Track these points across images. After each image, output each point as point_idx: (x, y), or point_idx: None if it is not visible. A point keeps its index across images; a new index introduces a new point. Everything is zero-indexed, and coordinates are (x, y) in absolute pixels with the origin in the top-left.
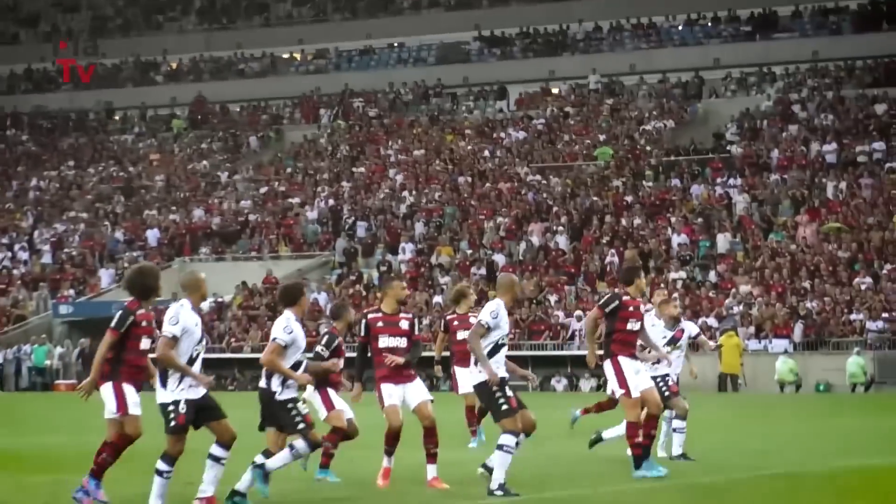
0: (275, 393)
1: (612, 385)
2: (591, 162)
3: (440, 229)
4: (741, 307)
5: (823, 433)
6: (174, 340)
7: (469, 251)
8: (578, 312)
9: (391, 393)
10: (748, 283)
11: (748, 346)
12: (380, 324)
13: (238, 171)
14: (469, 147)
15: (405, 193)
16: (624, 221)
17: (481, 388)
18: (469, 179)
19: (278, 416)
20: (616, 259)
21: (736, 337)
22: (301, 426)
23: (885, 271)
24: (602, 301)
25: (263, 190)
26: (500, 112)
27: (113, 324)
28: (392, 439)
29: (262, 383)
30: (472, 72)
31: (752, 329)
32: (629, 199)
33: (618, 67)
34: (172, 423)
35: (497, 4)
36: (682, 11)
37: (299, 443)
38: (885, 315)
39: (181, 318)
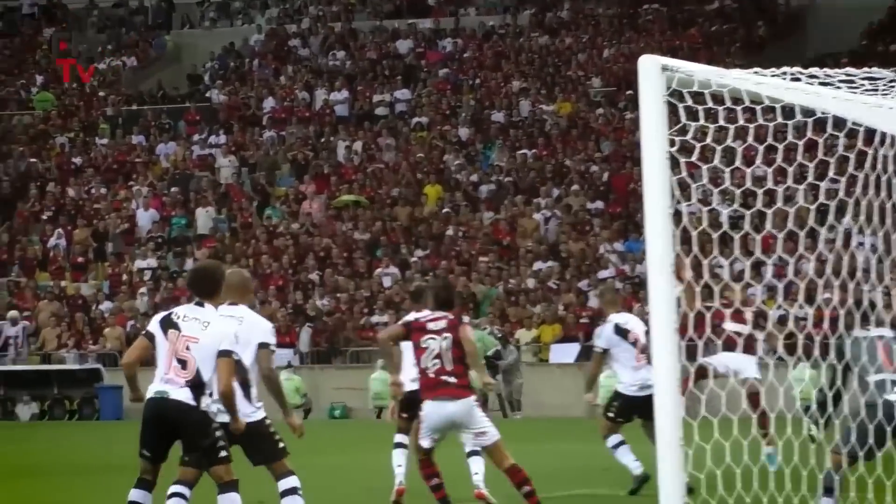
0: None
1: None
2: (25, 111)
3: None
4: None
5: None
6: None
7: None
8: (13, 313)
9: None
10: None
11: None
12: None
13: None
14: None
15: None
16: (72, 191)
17: None
18: None
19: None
20: (63, 241)
21: None
22: None
23: (415, 259)
24: None
25: None
26: None
27: None
28: None
29: None
30: None
31: None
32: (78, 160)
33: None
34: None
35: None
36: None
37: None
38: None
39: None
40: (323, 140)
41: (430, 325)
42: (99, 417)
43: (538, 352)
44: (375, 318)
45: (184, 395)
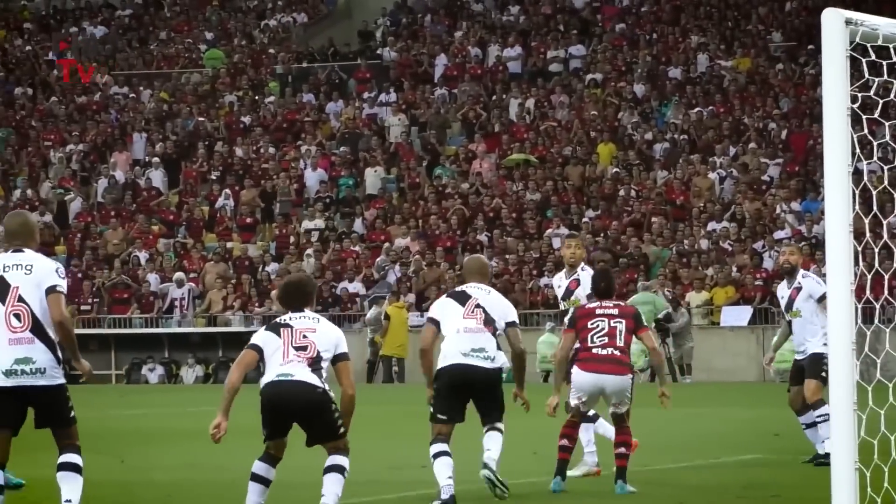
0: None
1: None
2: (195, 69)
3: None
4: (398, 267)
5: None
6: None
7: (29, 191)
8: (180, 275)
9: None
10: (406, 234)
11: (410, 319)
12: None
13: None
14: (28, 47)
15: None
16: (240, 151)
17: None
18: (29, 91)
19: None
20: (230, 202)
21: (403, 307)
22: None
23: (586, 219)
24: None
25: None
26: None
27: None
28: None
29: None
30: None
31: (411, 297)
32: (246, 119)
33: None
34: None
35: None
36: None
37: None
38: None
39: None
40: (495, 98)
41: (599, 311)
42: None
43: (709, 314)
44: (544, 280)
45: (307, 375)
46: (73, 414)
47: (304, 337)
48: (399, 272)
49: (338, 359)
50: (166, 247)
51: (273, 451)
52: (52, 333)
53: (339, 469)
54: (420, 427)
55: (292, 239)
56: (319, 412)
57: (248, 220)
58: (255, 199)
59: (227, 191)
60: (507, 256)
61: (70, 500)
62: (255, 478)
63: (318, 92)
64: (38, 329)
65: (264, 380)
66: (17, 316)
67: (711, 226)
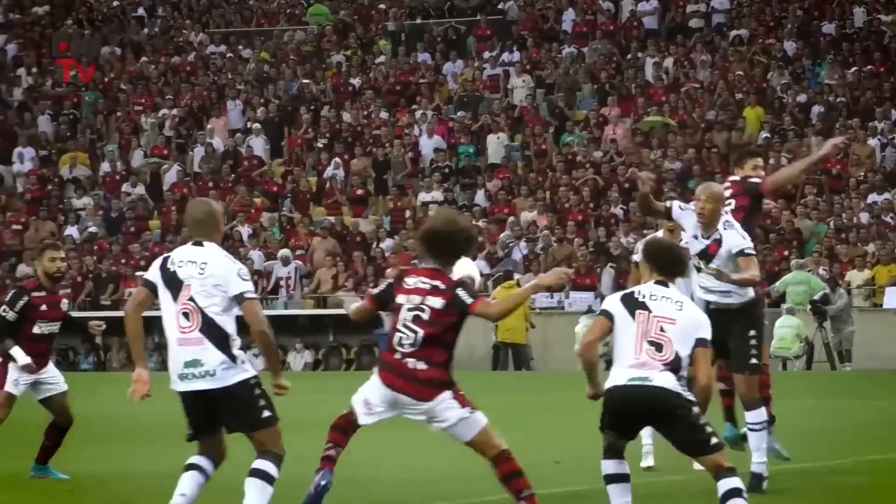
0: None
1: None
2: (298, 26)
3: (75, 126)
4: (524, 244)
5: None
6: None
7: (119, 162)
8: (285, 252)
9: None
10: (533, 207)
11: (535, 302)
12: (42, 306)
13: None
14: (116, 2)
15: (21, 70)
16: (349, 116)
17: None
18: (118, 51)
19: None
20: (340, 172)
21: (512, 288)
22: None
23: None
24: None
25: None
26: None
27: None
28: None
29: None
30: None
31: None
32: (356, 81)
33: None
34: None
35: None
36: None
37: None
38: None
39: None
40: (629, 57)
41: None
42: None
43: (871, 295)
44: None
45: (666, 380)
46: (265, 415)
47: (661, 331)
48: (525, 249)
49: (697, 344)
50: (270, 221)
51: (618, 444)
52: (228, 330)
53: (735, 493)
54: (549, 418)
55: (408, 213)
56: (676, 416)
57: (360, 191)
58: (367, 169)
59: (337, 160)
60: (644, 231)
61: None
62: (613, 479)
63: (434, 51)
64: (207, 328)
65: (613, 378)
66: (186, 315)
67: (872, 198)
